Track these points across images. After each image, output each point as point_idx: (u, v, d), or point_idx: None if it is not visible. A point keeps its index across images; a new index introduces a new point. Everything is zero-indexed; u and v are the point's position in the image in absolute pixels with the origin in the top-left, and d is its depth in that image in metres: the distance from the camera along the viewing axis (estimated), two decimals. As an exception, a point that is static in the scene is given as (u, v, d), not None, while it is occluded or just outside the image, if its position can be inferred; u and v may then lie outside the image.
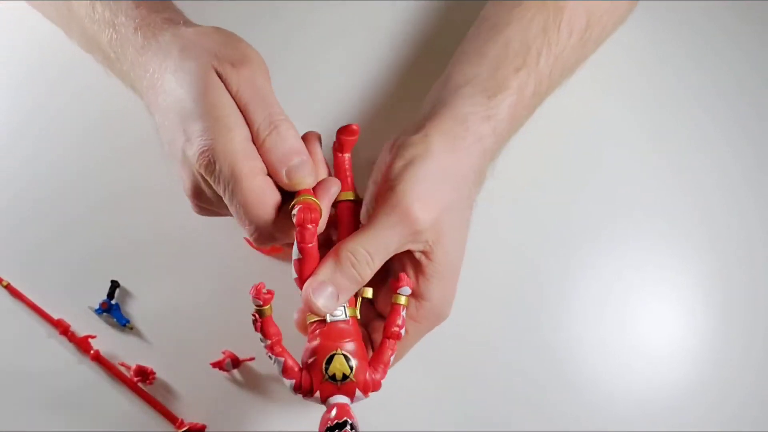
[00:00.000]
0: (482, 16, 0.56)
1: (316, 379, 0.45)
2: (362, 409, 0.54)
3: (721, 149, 0.61)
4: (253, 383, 0.56)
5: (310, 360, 0.45)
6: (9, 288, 0.58)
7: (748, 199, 0.59)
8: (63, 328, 0.57)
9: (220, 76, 0.47)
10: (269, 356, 0.46)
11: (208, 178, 0.46)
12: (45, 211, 0.61)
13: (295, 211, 0.45)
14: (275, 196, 0.46)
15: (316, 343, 0.46)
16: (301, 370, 0.46)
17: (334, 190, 0.48)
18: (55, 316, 0.57)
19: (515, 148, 0.54)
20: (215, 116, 0.46)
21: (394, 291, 0.47)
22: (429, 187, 0.46)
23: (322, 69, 0.63)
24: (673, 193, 0.59)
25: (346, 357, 0.45)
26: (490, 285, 0.56)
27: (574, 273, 0.57)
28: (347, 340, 0.46)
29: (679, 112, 0.62)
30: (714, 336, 0.56)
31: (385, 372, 0.47)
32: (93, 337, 0.57)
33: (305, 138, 0.50)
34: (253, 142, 0.46)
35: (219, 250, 0.58)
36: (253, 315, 0.46)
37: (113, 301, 0.57)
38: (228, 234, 0.54)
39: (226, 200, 0.46)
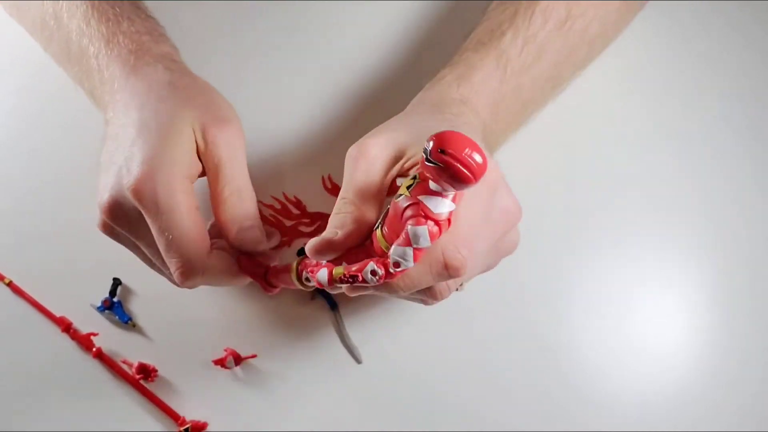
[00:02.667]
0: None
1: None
2: (362, 409, 0.55)
3: (729, 148, 0.60)
4: (254, 381, 0.55)
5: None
6: (11, 285, 0.59)
7: (755, 198, 0.59)
8: (65, 326, 0.57)
9: (203, 131, 0.49)
10: (396, 262, 0.40)
11: (137, 204, 0.47)
12: (47, 209, 0.61)
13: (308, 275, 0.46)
14: (206, 235, 0.48)
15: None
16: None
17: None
18: (57, 314, 0.57)
19: (518, 145, 0.54)
20: (164, 150, 0.48)
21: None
22: (392, 124, 0.49)
23: (319, 67, 0.63)
24: (679, 191, 0.59)
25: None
26: (491, 283, 0.56)
27: (575, 271, 0.57)
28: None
29: (688, 109, 0.61)
30: (718, 336, 0.56)
31: None
32: (95, 334, 0.57)
33: None
34: (212, 197, 0.50)
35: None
36: (346, 279, 0.42)
37: (115, 299, 0.58)
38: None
39: (154, 230, 0.47)
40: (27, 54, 0.65)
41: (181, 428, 0.54)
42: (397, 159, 0.46)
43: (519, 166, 0.56)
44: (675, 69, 0.63)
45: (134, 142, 0.48)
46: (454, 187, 0.39)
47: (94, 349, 0.56)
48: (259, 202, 0.54)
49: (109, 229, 0.50)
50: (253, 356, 0.56)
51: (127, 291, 0.58)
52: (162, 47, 0.55)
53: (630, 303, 0.56)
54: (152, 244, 0.48)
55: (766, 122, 0.61)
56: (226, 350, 0.55)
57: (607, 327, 0.56)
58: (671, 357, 0.55)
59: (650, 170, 0.60)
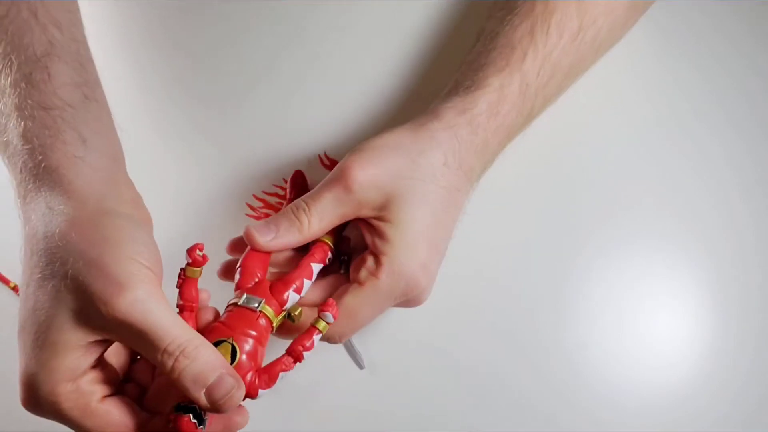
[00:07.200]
0: (482, 29, 0.56)
1: None
2: (365, 413, 0.54)
3: (737, 150, 0.60)
4: (257, 385, 0.55)
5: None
6: (16, 290, 0.59)
7: (762, 200, 0.59)
8: (69, 330, 0.57)
9: (96, 308, 0.40)
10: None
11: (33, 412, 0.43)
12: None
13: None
14: (120, 419, 0.42)
15: (212, 324, 0.42)
16: None
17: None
18: (62, 318, 0.58)
19: (521, 144, 0.54)
20: (41, 358, 0.41)
21: (319, 312, 0.43)
22: (373, 154, 0.48)
23: (327, 75, 0.63)
24: (684, 192, 0.59)
25: (234, 349, 0.41)
26: (494, 286, 0.56)
27: (579, 274, 0.57)
28: (248, 335, 0.42)
29: (694, 109, 0.61)
30: (724, 340, 0.56)
31: (270, 384, 0.42)
32: (99, 338, 0.57)
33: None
34: (153, 365, 0.42)
35: (220, 251, 0.58)
36: (180, 271, 0.43)
37: (119, 303, 0.58)
38: (229, 235, 0.54)
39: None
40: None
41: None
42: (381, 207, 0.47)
43: (522, 166, 0.56)
44: (681, 68, 0.63)
45: (19, 343, 0.43)
46: None
47: (97, 353, 0.56)
48: (263, 192, 0.53)
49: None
50: (256, 361, 0.55)
51: (131, 296, 0.58)
52: (53, 155, 0.45)
53: (633, 305, 0.56)
54: None
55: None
56: (228, 354, 0.55)
57: (611, 329, 0.56)
58: (675, 361, 0.55)
59: (655, 172, 0.59)
